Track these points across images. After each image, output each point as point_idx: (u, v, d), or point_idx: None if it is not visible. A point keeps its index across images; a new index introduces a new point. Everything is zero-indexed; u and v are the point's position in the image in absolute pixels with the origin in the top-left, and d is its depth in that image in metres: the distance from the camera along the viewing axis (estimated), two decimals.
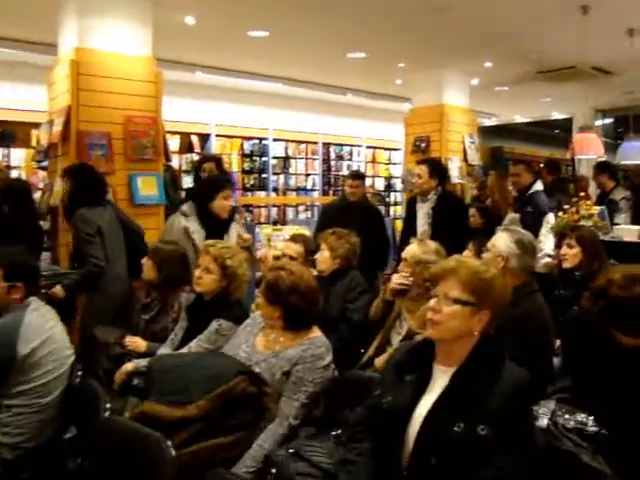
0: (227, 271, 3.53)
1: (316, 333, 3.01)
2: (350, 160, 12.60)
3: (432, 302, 2.25)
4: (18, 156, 8.75)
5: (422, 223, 5.73)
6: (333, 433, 2.75)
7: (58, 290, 4.50)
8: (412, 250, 3.79)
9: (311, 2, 6.19)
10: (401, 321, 3.70)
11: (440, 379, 2.22)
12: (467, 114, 9.42)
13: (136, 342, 3.81)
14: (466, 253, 4.13)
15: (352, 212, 5.79)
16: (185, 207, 4.78)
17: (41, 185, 7.60)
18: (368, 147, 12.90)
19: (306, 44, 7.84)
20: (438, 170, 5.82)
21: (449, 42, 7.58)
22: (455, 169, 8.80)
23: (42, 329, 3.03)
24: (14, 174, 8.37)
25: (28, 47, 7.53)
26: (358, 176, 6.26)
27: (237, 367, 2.84)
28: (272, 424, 2.79)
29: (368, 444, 2.31)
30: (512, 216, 6.03)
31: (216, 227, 4.64)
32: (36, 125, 8.28)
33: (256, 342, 3.06)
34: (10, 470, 2.83)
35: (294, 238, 4.55)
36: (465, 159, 9.15)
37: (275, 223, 10.23)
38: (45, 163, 6.48)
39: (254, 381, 2.79)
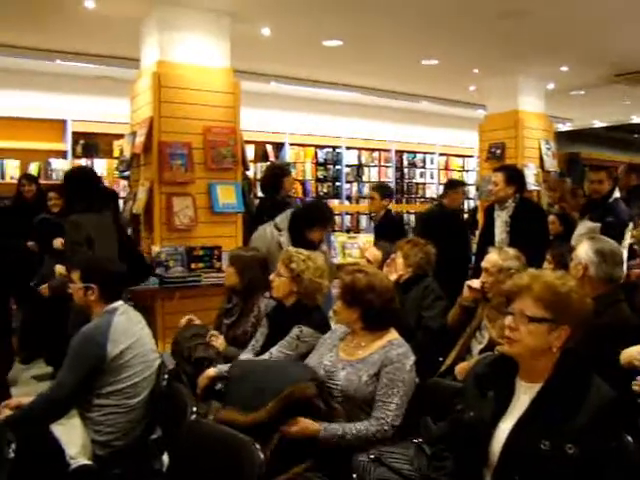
0: (294, 273, 3.60)
1: (394, 335, 3.04)
2: (423, 167, 12.54)
3: (508, 319, 2.21)
4: (101, 166, 9.04)
5: (500, 231, 5.66)
6: (414, 441, 2.77)
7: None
8: (492, 258, 3.77)
9: (384, 11, 6.21)
10: (482, 330, 3.67)
11: (523, 395, 2.18)
12: (543, 119, 9.25)
13: (218, 338, 3.94)
14: (545, 265, 4.08)
15: (452, 220, 5.87)
16: (279, 221, 4.84)
17: (123, 194, 7.86)
18: (441, 154, 12.81)
19: (380, 52, 7.86)
20: (515, 177, 5.72)
21: (524, 46, 7.47)
22: (531, 176, 8.64)
23: (130, 332, 3.16)
24: None
25: (111, 62, 7.83)
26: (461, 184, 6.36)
27: (311, 374, 2.89)
28: (365, 423, 2.82)
29: (453, 463, 2.29)
30: (591, 225, 5.86)
31: (306, 244, 4.68)
32: (118, 136, 8.64)
33: (339, 352, 3.10)
34: (102, 466, 2.95)
35: (378, 245, 4.66)
36: (541, 166, 8.98)
37: (348, 231, 10.29)
38: (127, 173, 6.69)
39: (322, 393, 2.84)
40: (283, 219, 4.86)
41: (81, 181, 4.80)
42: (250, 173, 8.80)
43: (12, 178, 8.15)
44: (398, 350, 2.93)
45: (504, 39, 7.17)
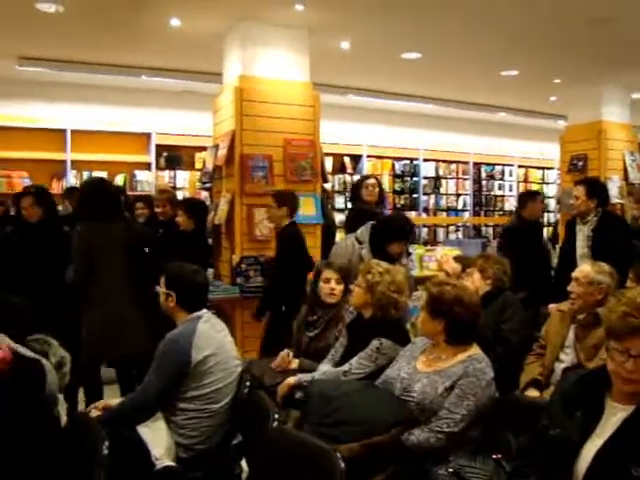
0: (368, 284, 3.62)
1: (476, 350, 3.01)
2: (502, 180, 12.37)
3: (629, 365, 2.02)
4: (183, 178, 9.32)
5: (581, 245, 5.53)
6: (494, 456, 2.74)
7: None
8: (585, 269, 3.70)
9: (464, 22, 6.20)
10: (565, 347, 3.62)
11: (614, 416, 2.09)
12: (627, 130, 9.00)
13: (285, 362, 3.96)
14: (628, 283, 3.97)
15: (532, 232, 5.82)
16: (359, 234, 4.88)
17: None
18: (520, 166, 12.61)
19: (459, 64, 7.83)
20: (597, 190, 5.59)
21: (609, 55, 7.29)
22: (614, 189, 8.40)
23: (213, 339, 3.24)
24: (179, 195, 8.90)
25: (194, 77, 8.07)
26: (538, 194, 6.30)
27: (394, 417, 2.85)
28: (423, 430, 2.81)
29: None
30: None
31: (387, 257, 4.69)
32: (199, 149, 8.89)
33: (417, 364, 3.09)
34: (185, 468, 3.04)
35: (457, 258, 4.65)
36: (625, 178, 8.73)
37: (426, 244, 10.23)
38: (209, 185, 6.87)
39: (410, 427, 2.83)
40: (363, 232, 4.89)
41: (89, 191, 4.82)
42: (329, 185, 8.90)
43: None
44: (477, 365, 2.90)
45: (590, 47, 7.00)
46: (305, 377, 3.57)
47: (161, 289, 3.38)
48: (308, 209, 6.11)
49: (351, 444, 2.65)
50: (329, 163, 9.74)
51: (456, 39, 6.77)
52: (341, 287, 4.05)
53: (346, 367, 3.49)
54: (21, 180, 8.34)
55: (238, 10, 5.78)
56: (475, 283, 4.16)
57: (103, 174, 8.76)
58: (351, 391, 3.06)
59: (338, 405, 2.89)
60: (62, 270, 4.67)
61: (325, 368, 3.67)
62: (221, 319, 3.52)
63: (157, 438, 3.04)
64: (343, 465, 2.25)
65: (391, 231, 4.79)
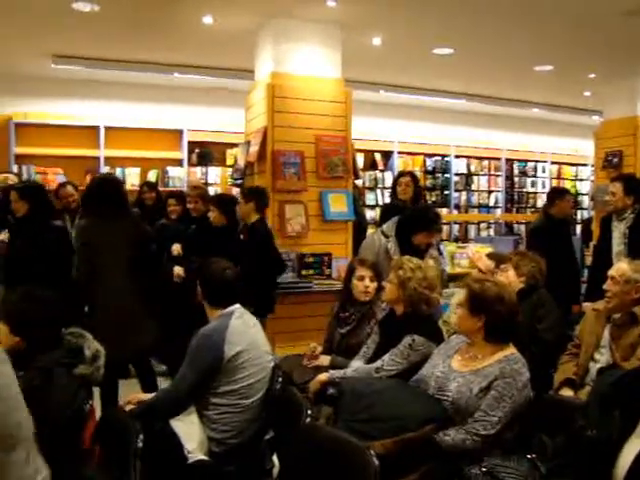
0: (399, 280, 3.61)
1: (512, 350, 2.97)
2: (534, 176, 12.22)
3: None
4: (214, 174, 9.38)
5: (617, 243, 5.45)
6: (528, 456, 2.72)
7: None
8: (622, 267, 3.62)
9: (496, 17, 6.14)
10: (600, 347, 3.57)
11: None
12: None
13: (318, 360, 3.96)
14: None
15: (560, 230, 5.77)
16: (385, 228, 4.88)
17: None
18: (553, 162, 12.43)
19: (491, 59, 7.76)
20: (634, 187, 5.49)
21: None
22: None
23: (245, 335, 3.26)
24: (211, 191, 8.95)
25: (226, 74, 8.10)
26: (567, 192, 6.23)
27: (426, 414, 2.83)
28: (458, 431, 2.79)
29: None
30: None
31: (414, 250, 4.69)
32: (231, 145, 8.93)
33: (452, 363, 3.07)
34: (217, 462, 3.07)
35: (490, 255, 4.61)
36: None
37: (457, 240, 10.17)
38: (241, 181, 6.89)
39: (443, 426, 2.81)
40: (390, 226, 4.88)
41: (93, 188, 4.83)
42: (360, 182, 8.88)
43: (133, 185, 8.55)
44: (513, 366, 2.86)
45: (624, 41, 6.87)
46: (337, 373, 3.57)
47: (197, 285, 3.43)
48: (339, 205, 6.11)
49: (384, 441, 2.64)
50: (360, 159, 9.72)
51: (489, 34, 6.71)
52: (374, 285, 4.03)
53: (378, 364, 3.49)
54: (56, 176, 8.46)
55: (270, 7, 5.80)
56: (509, 280, 4.12)
57: (136, 170, 8.90)
58: (384, 388, 3.06)
59: (370, 402, 2.89)
60: (61, 266, 4.70)
61: (357, 365, 3.66)
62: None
63: (190, 432, 3.07)
64: (377, 462, 2.24)
65: (415, 221, 4.78)
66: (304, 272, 5.90)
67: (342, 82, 6.26)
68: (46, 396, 2.67)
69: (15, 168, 8.18)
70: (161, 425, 3.08)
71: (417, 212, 5.06)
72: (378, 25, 6.45)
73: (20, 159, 8.36)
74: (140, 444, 2.47)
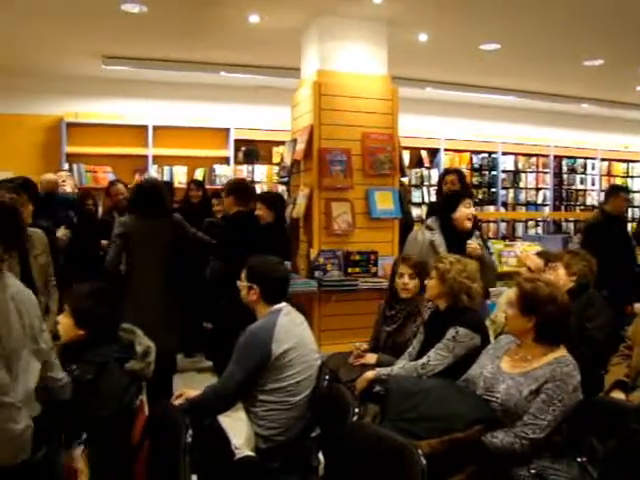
0: (439, 272, 3.62)
1: (563, 352, 2.92)
2: (584, 173, 11.98)
3: None
4: (260, 172, 9.43)
5: None
6: (578, 459, 2.67)
7: None
8: None
9: (545, 11, 6.03)
10: None
11: None
12: None
13: (364, 358, 3.97)
14: None
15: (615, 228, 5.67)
16: (429, 221, 4.89)
17: None
18: (603, 159, 12.16)
19: (539, 54, 7.61)
20: None
21: None
22: None
23: (293, 333, 3.28)
24: (257, 189, 9.01)
25: (272, 72, 8.14)
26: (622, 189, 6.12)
27: (474, 414, 2.81)
28: (507, 434, 2.75)
29: None
30: None
31: (458, 239, 4.67)
32: (277, 143, 8.98)
33: (501, 364, 3.03)
34: (264, 459, 3.09)
35: (539, 253, 4.57)
36: None
37: (504, 238, 10.04)
38: (287, 179, 6.92)
39: (490, 428, 2.78)
40: (433, 219, 4.90)
41: (137, 191, 5.18)
42: (406, 179, 8.85)
43: (180, 183, 8.67)
44: (564, 368, 2.81)
45: None
46: (383, 371, 3.57)
47: (242, 283, 3.43)
48: (386, 203, 6.08)
49: (430, 440, 2.63)
50: (406, 157, 9.67)
51: (537, 28, 6.59)
52: (415, 282, 4.03)
53: (424, 360, 3.48)
54: (106, 175, 8.64)
55: (316, 5, 5.80)
56: (559, 278, 4.06)
57: (183, 169, 9.02)
58: (431, 387, 3.04)
59: (417, 401, 2.88)
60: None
61: (401, 364, 3.65)
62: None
63: (237, 428, 3.10)
64: (424, 462, 2.22)
65: (452, 196, 4.89)
66: (350, 270, 5.89)
67: (388, 79, 6.23)
68: (98, 390, 2.74)
69: (66, 166, 8.37)
70: (209, 421, 3.12)
71: (449, 192, 5.31)
72: (424, 21, 6.41)
73: (71, 158, 8.56)
74: (189, 439, 2.50)
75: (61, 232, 5.54)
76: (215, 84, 8.88)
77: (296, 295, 5.65)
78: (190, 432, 2.53)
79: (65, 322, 2.96)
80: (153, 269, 4.86)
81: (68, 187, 6.54)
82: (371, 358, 3.96)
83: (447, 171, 6.43)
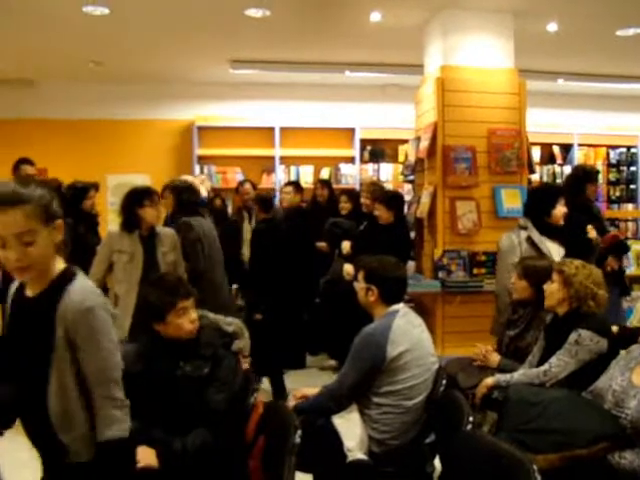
0: (563, 276, 3.44)
1: None
2: None
3: None
4: (386, 171, 9.37)
5: None
6: None
7: None
8: None
9: None
10: None
11: None
12: None
13: (490, 356, 3.84)
14: None
15: None
16: (522, 221, 4.65)
17: (407, 198, 8.02)
18: None
19: None
20: None
21: None
22: None
23: (409, 335, 3.20)
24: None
25: (396, 69, 8.07)
26: None
27: (599, 430, 2.63)
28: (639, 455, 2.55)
29: None
30: None
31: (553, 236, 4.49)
32: (403, 142, 8.87)
33: (633, 376, 2.82)
34: (377, 463, 3.04)
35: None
36: None
37: None
38: (412, 177, 6.84)
39: (617, 446, 2.59)
40: (524, 218, 4.65)
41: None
42: (536, 176, 8.50)
43: (306, 183, 8.76)
44: None
45: None
46: (503, 377, 3.44)
47: (360, 284, 3.40)
48: (513, 201, 5.86)
49: (549, 455, 2.48)
50: (537, 153, 9.28)
51: None
52: (522, 283, 3.86)
53: (546, 366, 3.31)
54: (235, 175, 8.91)
55: None
56: None
57: (309, 168, 9.12)
58: (553, 399, 2.87)
59: (538, 412, 2.73)
60: None
61: (522, 372, 3.49)
62: (421, 314, 3.48)
63: (350, 430, 3.08)
64: (539, 478, 2.09)
65: (548, 194, 4.63)
66: (475, 271, 5.75)
67: (515, 72, 6.00)
68: (216, 379, 2.80)
69: (197, 168, 8.72)
70: (323, 421, 3.11)
71: (540, 190, 4.98)
72: (554, 10, 6.08)
73: (202, 160, 8.88)
74: (298, 440, 2.50)
75: None
76: (340, 84, 8.92)
77: (419, 296, 5.59)
78: (299, 433, 2.52)
79: None
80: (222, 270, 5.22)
81: (203, 191, 6.77)
82: (494, 360, 3.83)
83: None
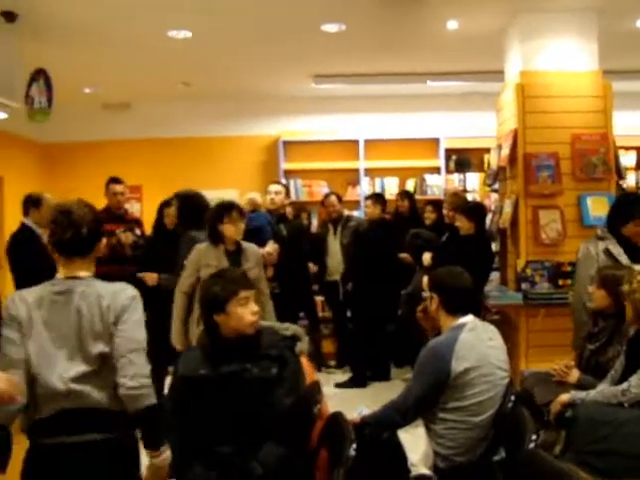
0: (626, 292, 3.34)
1: None
2: None
3: None
4: (472, 181, 9.20)
5: None
6: None
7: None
8: None
9: None
10: None
11: None
12: None
13: (570, 371, 3.73)
14: None
15: None
16: (600, 231, 4.45)
17: (492, 207, 7.85)
18: None
19: None
20: None
21: None
22: None
23: (477, 349, 3.12)
24: (469, 198, 8.80)
25: (477, 77, 7.93)
26: None
27: None
28: None
29: None
30: None
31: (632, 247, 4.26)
32: (488, 150, 8.67)
33: None
34: (442, 478, 2.99)
35: None
36: None
37: None
38: (496, 186, 6.70)
39: None
40: (603, 229, 4.45)
41: (195, 203, 5.24)
42: (631, 182, 8.15)
43: (391, 194, 8.71)
44: None
45: None
46: (578, 395, 3.29)
47: (426, 293, 3.38)
48: (601, 209, 5.56)
49: None
50: (630, 158, 8.83)
51: None
52: (600, 292, 3.72)
53: (624, 385, 3.13)
54: (320, 189, 8.97)
55: (515, 3, 5.53)
56: None
57: (394, 180, 9.07)
58: (627, 419, 2.73)
59: (608, 432, 2.60)
60: None
61: (601, 388, 3.33)
62: (504, 327, 3.40)
63: (415, 444, 3.07)
64: None
65: (625, 211, 4.35)
66: (561, 282, 5.53)
67: (600, 74, 5.75)
68: (282, 380, 2.82)
69: (283, 182, 8.82)
70: (388, 435, 3.08)
71: (620, 201, 4.73)
72: None
73: (288, 174, 9.00)
74: (353, 453, 2.48)
75: (270, 247, 5.77)
76: (422, 94, 8.82)
77: (503, 308, 5.46)
78: (354, 446, 2.50)
79: None
80: None
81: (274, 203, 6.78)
82: (573, 375, 3.69)
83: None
